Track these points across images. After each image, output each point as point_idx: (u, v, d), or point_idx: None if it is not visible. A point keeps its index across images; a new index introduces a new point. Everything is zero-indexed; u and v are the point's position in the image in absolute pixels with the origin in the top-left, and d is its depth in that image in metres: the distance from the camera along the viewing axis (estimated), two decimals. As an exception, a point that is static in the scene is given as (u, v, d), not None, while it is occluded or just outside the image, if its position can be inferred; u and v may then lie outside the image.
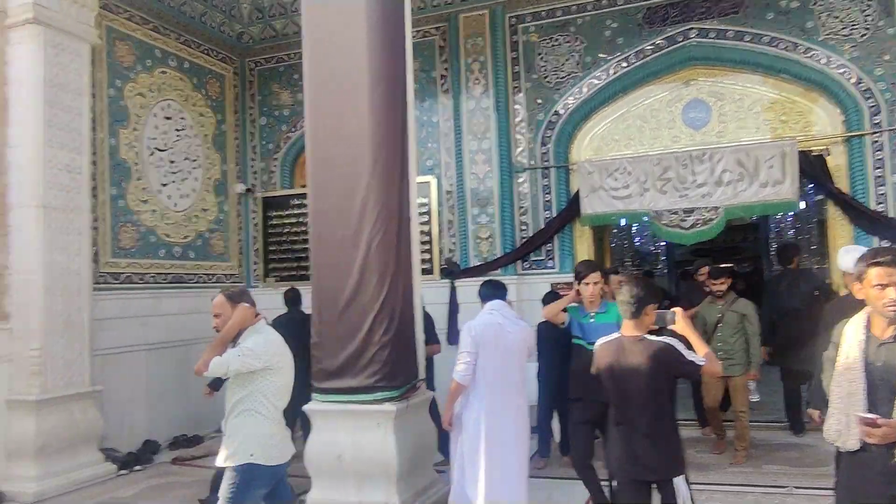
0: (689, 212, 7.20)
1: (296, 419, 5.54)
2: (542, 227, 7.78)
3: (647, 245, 15.53)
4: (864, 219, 6.70)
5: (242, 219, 9.10)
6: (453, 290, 7.76)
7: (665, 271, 15.55)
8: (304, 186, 9.01)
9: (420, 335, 4.96)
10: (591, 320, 4.57)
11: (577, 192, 7.59)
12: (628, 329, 3.25)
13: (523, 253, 7.77)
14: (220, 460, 3.48)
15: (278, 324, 5.67)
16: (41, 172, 5.85)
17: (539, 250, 7.80)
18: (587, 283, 4.59)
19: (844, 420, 2.57)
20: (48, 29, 5.96)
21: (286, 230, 8.90)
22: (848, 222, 6.88)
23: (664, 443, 3.14)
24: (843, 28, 6.85)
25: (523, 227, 7.90)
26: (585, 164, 7.56)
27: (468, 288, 7.62)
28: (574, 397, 4.59)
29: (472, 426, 4.23)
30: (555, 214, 7.76)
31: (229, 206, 8.93)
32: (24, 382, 5.76)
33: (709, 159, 7.11)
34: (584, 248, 7.81)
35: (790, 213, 11.33)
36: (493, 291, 4.62)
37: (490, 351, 4.24)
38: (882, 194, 6.71)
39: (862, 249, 6.17)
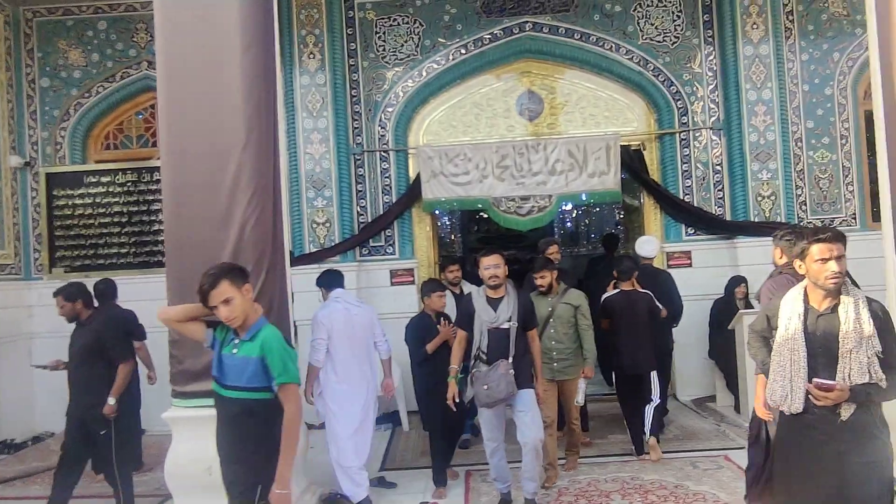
0: (526, 199, 7.46)
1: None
2: (382, 212, 7.56)
3: (444, 231, 15.99)
4: (674, 208, 7.46)
5: (19, 198, 7.61)
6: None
7: (459, 256, 15.72)
8: (100, 162, 7.82)
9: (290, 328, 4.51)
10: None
11: (418, 176, 7.48)
12: None
13: (363, 239, 7.49)
14: None
15: (103, 323, 4.79)
16: None
17: (378, 236, 7.57)
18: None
19: (789, 386, 2.76)
20: None
21: (78, 212, 7.60)
22: (660, 211, 7.62)
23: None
24: (658, 35, 7.54)
25: (362, 213, 7.61)
26: (426, 149, 7.48)
27: (303, 276, 7.14)
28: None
29: (334, 402, 4.76)
30: (395, 199, 7.57)
31: (2, 183, 7.41)
32: None
33: (543, 149, 7.42)
34: (423, 234, 7.74)
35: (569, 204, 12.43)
36: (334, 279, 5.21)
37: (341, 335, 4.79)
38: (688, 186, 7.53)
39: (653, 240, 6.87)
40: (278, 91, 4.44)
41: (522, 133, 7.72)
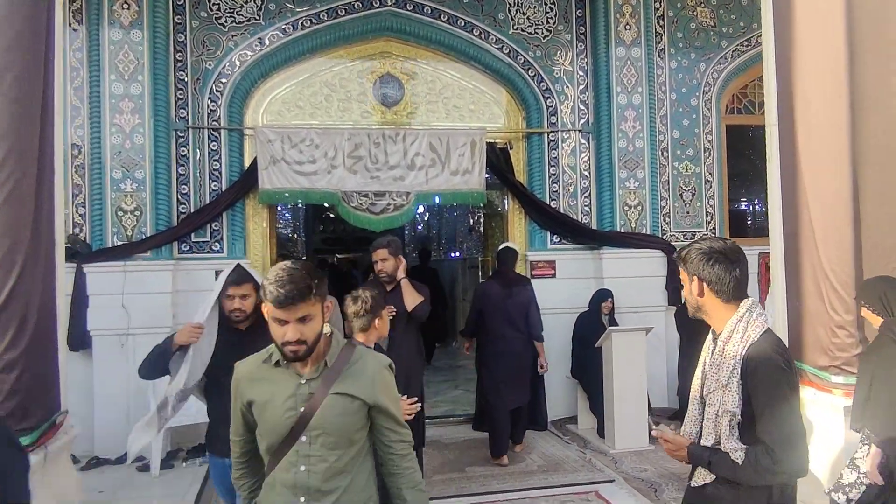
0: (381, 195, 6.56)
1: None
2: (209, 201, 6.32)
3: (286, 229, 14.68)
4: (540, 214, 6.90)
5: None
6: (80, 277, 5.78)
7: (303, 259, 14.48)
8: None
9: (63, 344, 3.29)
10: None
11: (254, 162, 6.34)
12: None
13: (183, 232, 6.20)
14: None
15: None
16: None
17: (203, 230, 6.32)
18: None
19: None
20: None
21: None
22: (524, 216, 7.04)
23: None
24: (530, 26, 6.97)
25: (183, 201, 6.32)
26: (266, 131, 6.36)
27: (103, 276, 5.80)
28: None
29: None
30: (225, 187, 6.37)
31: None
32: None
33: (402, 140, 6.57)
34: (258, 231, 6.58)
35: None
36: None
37: None
38: (555, 192, 7.00)
39: (514, 246, 6.30)
40: (63, 38, 3.26)
41: (379, 121, 6.82)
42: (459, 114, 6.99)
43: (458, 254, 12.97)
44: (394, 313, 4.06)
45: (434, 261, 13.50)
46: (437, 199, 6.85)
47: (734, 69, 7.39)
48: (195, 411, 5.37)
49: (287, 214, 14.31)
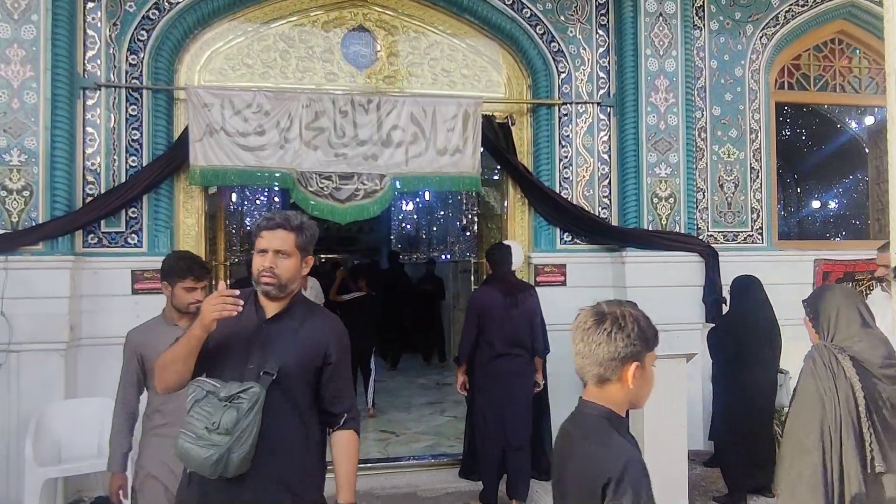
0: (348, 178, 5.18)
1: None
2: (125, 180, 4.93)
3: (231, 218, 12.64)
4: (549, 206, 5.53)
5: None
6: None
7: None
8: None
9: None
10: None
11: (185, 131, 4.96)
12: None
13: (88, 219, 4.80)
14: None
15: None
16: None
17: (116, 217, 4.93)
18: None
19: None
20: None
21: None
22: (528, 208, 5.67)
23: None
24: (539, -30, 5.61)
25: (91, 179, 4.93)
26: (201, 92, 4.97)
27: (-21, 272, 4.41)
28: None
29: None
30: (146, 162, 4.98)
31: None
32: None
33: (376, 109, 5.20)
34: (191, 219, 5.19)
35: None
36: None
37: None
38: (567, 178, 5.64)
39: (517, 246, 4.98)
40: None
41: (348, 85, 5.44)
42: (449, 79, 5.62)
43: (447, 256, 11.59)
44: None
45: (416, 263, 12.19)
46: (419, 186, 5.44)
47: (787, 34, 6.03)
48: (97, 452, 4.10)
49: (233, 196, 12.29)
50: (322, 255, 15.89)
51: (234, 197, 7.81)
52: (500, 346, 4.47)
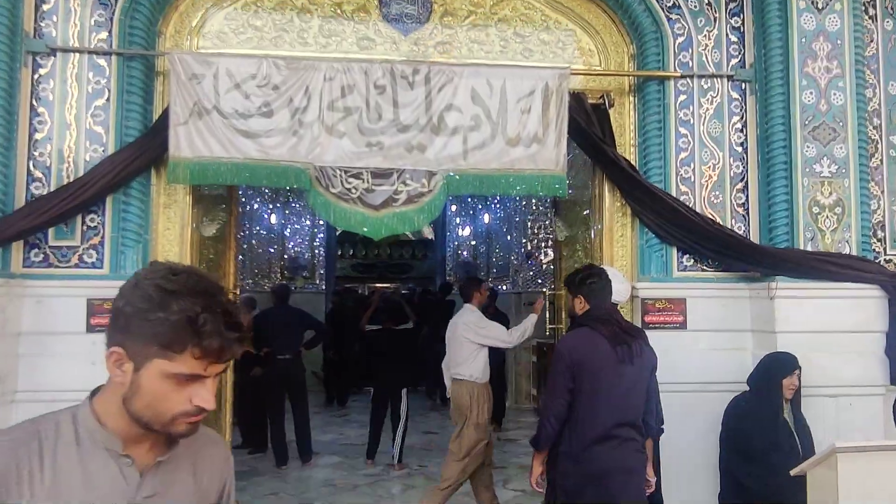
0: (385, 176, 3.77)
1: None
2: (84, 172, 3.63)
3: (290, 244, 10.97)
4: (663, 216, 3.97)
5: None
6: None
7: (323, 287, 11.05)
8: None
9: None
10: None
11: (166, 113, 3.65)
12: None
13: (29, 226, 3.51)
14: None
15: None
16: None
17: (69, 226, 3.63)
18: None
19: None
20: None
21: None
22: (631, 220, 4.13)
23: None
24: None
25: (38, 174, 3.65)
26: (188, 58, 3.66)
27: None
28: None
29: None
30: (113, 150, 3.68)
31: None
32: None
33: (424, 82, 3.80)
34: (174, 228, 3.85)
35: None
36: None
37: None
38: (687, 179, 4.09)
39: (621, 276, 3.50)
40: None
41: (388, 52, 4.06)
42: (524, 46, 4.19)
43: (505, 287, 10.10)
44: None
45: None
46: (482, 188, 3.94)
47: None
48: None
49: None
50: (371, 284, 14.54)
51: (255, 206, 6.47)
52: (604, 424, 2.89)
